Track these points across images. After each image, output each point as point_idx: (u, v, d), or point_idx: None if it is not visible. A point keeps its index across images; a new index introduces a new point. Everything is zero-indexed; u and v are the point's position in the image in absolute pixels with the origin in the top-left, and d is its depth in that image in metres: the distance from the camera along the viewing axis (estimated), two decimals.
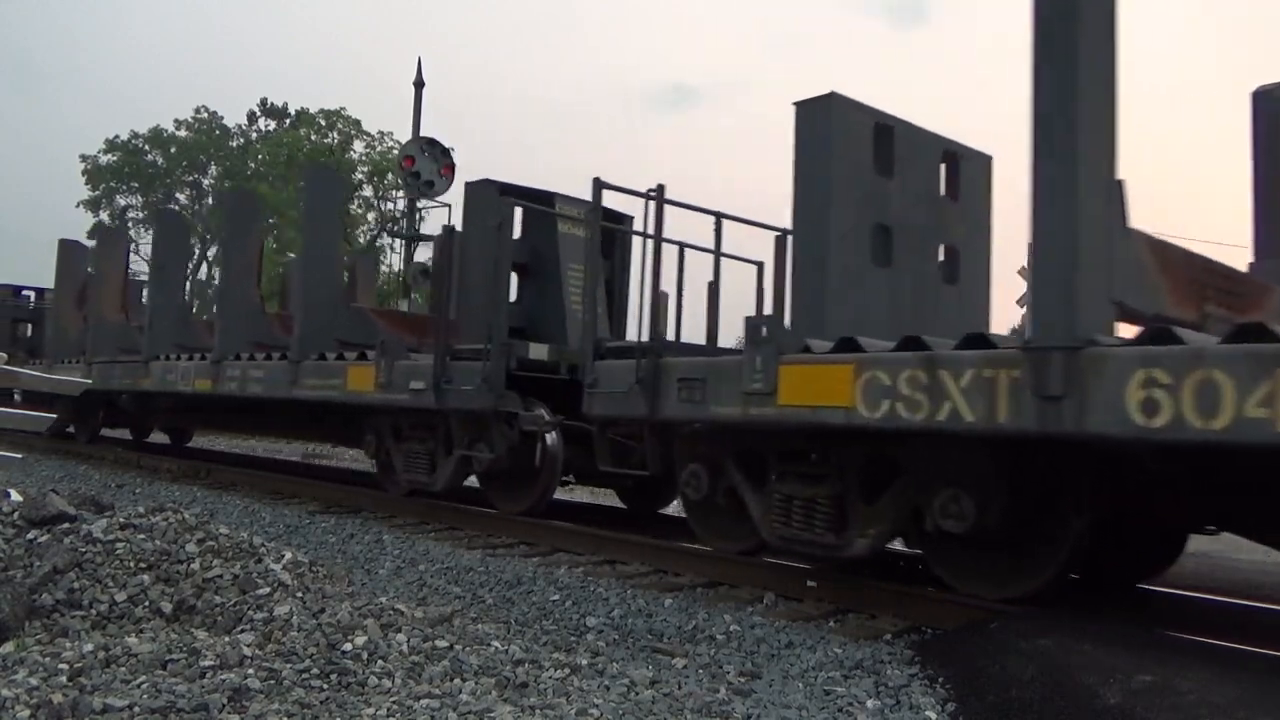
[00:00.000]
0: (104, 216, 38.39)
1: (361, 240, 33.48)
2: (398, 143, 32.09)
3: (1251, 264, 5.34)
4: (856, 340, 4.17)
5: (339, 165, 33.60)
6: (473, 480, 7.27)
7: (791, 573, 4.93)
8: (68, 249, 14.08)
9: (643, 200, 5.60)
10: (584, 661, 3.27)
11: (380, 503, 7.67)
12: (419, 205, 19.33)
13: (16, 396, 11.03)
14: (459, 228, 7.44)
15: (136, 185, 38.72)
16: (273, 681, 2.69)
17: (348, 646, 2.95)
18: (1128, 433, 3.27)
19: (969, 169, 5.66)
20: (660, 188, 5.47)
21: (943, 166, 5.59)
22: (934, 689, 3.40)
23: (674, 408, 4.89)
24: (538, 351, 6.67)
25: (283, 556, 3.76)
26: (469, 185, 7.49)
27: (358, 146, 36.01)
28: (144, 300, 12.17)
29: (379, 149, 35.40)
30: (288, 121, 38.16)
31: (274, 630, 3.05)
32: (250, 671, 2.72)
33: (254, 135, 39.02)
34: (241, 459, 11.31)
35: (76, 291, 13.31)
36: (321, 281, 8.53)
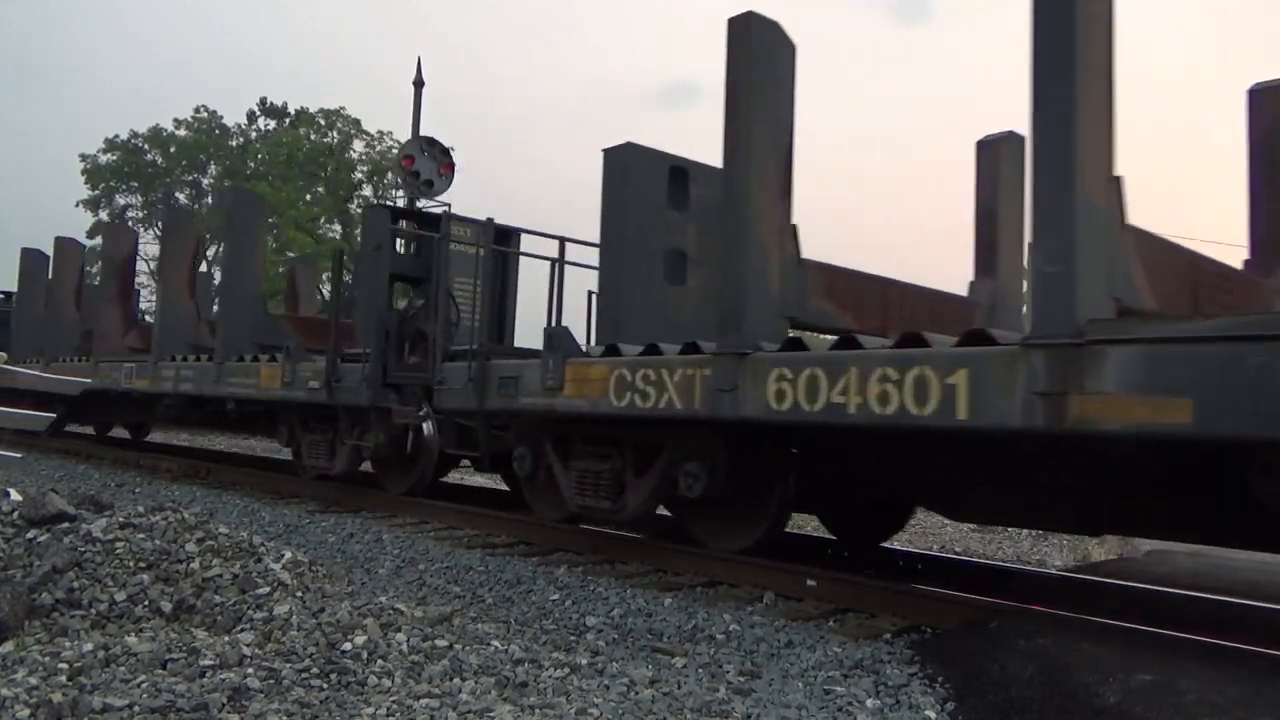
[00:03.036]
0: (103, 216, 38.36)
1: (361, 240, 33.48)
2: (397, 142, 32.11)
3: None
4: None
5: (338, 165, 33.63)
6: None
7: (791, 572, 4.93)
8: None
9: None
10: (584, 661, 3.27)
11: (380, 502, 7.67)
12: (419, 205, 19.33)
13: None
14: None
15: (136, 185, 38.70)
16: (272, 681, 2.69)
17: (347, 646, 2.95)
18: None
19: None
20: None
21: None
22: (934, 688, 3.40)
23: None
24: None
25: (282, 556, 3.76)
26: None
27: (357, 146, 36.01)
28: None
29: (379, 148, 35.40)
30: (287, 121, 38.12)
31: (274, 630, 3.05)
32: (250, 671, 2.72)
33: (254, 135, 39.00)
34: (241, 459, 11.28)
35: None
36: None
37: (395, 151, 31.25)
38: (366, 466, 8.08)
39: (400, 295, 8.49)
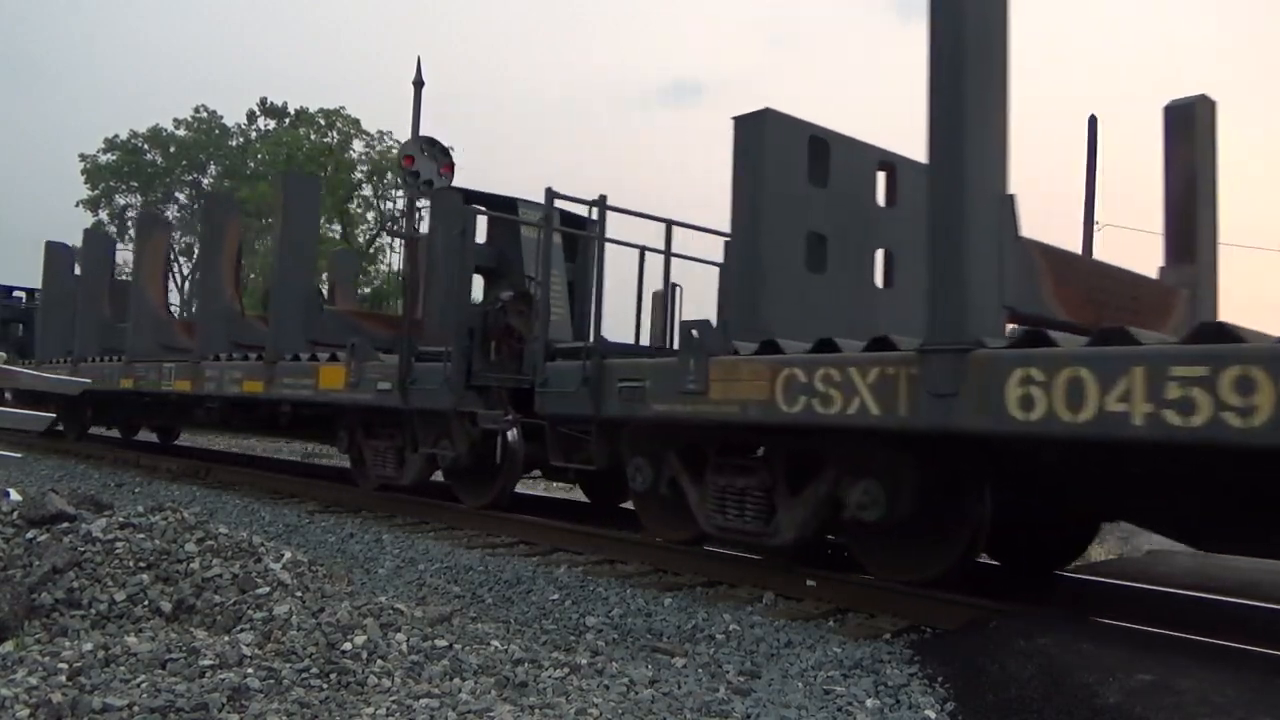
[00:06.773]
0: (103, 216, 38.39)
1: (361, 239, 33.50)
2: (397, 142, 32.13)
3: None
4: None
5: (338, 165, 33.60)
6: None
7: (791, 572, 4.93)
8: None
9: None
10: (583, 661, 3.27)
11: (380, 502, 7.66)
12: (418, 205, 19.32)
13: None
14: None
15: (136, 185, 38.71)
16: (272, 681, 2.69)
17: (347, 646, 2.95)
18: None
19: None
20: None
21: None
22: (933, 688, 3.40)
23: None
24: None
25: (282, 556, 3.76)
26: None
27: (357, 146, 36.03)
28: None
29: (378, 148, 35.40)
30: (287, 121, 38.13)
31: (273, 630, 3.05)
32: (250, 671, 2.72)
33: (253, 134, 39.00)
34: (241, 459, 11.26)
35: None
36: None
37: (395, 151, 31.26)
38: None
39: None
